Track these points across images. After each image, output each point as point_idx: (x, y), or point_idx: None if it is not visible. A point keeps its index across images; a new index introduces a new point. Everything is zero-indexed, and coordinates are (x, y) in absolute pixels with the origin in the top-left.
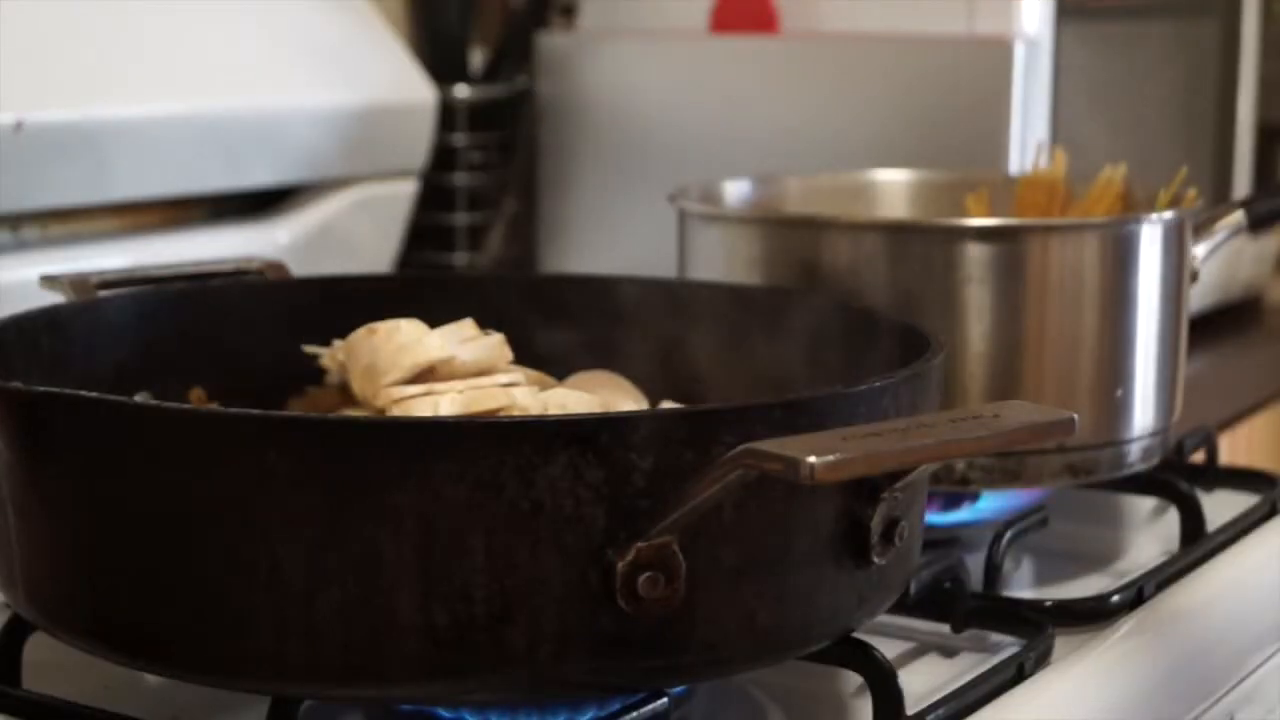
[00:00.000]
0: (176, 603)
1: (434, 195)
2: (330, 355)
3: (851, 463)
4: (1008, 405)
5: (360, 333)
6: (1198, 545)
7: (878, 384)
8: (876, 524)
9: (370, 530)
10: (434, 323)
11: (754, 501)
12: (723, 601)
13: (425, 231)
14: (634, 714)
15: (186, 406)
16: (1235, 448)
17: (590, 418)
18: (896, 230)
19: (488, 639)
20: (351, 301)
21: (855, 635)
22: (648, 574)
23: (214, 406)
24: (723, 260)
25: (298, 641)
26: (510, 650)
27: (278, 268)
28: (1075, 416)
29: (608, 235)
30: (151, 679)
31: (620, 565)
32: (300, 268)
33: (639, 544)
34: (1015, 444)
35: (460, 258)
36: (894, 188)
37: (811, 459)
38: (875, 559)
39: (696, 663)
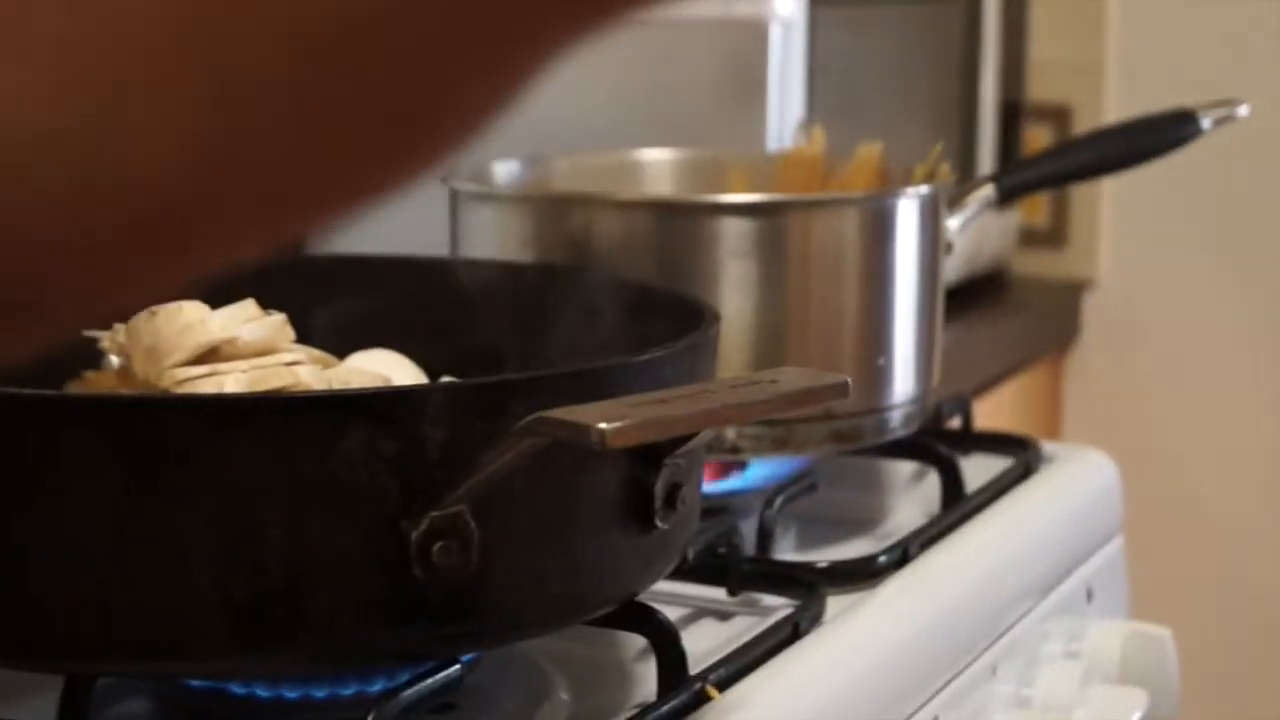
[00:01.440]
0: None
1: None
2: (109, 337)
3: (641, 428)
4: (783, 371)
5: (141, 315)
6: (958, 506)
7: (660, 354)
8: (660, 489)
9: (165, 506)
10: (212, 305)
11: (543, 470)
12: (515, 568)
13: None
14: (427, 682)
15: None
16: (987, 413)
17: (385, 391)
18: (664, 207)
19: (284, 612)
20: None
21: (638, 600)
22: (441, 543)
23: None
24: (495, 239)
25: (91, 619)
26: (307, 622)
27: None
28: (849, 380)
29: (376, 215)
30: None
31: (415, 535)
32: None
33: (433, 513)
34: (794, 407)
35: None
36: (659, 167)
37: (602, 425)
38: (659, 523)
39: (490, 629)
